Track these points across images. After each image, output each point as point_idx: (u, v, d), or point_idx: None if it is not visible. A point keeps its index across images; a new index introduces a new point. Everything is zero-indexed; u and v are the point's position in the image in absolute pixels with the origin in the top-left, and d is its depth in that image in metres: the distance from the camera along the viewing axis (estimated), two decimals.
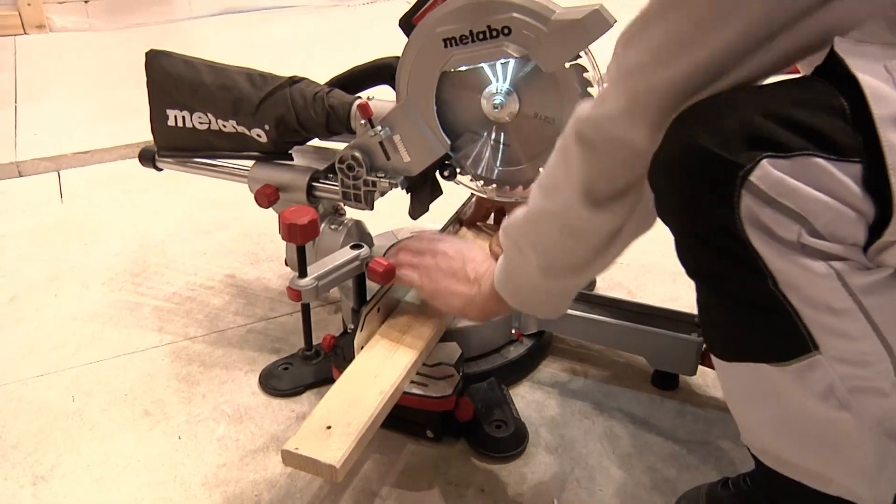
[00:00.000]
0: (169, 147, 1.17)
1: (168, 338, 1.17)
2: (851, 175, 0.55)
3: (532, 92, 0.97)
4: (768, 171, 0.55)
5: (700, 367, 1.04)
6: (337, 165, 1.06)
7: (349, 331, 0.95)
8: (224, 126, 1.10)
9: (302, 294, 0.89)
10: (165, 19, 2.74)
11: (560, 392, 1.07)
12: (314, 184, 1.11)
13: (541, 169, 0.99)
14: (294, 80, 1.06)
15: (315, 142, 1.18)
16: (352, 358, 0.92)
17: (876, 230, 0.56)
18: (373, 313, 0.95)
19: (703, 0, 0.60)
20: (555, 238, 0.78)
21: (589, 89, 0.94)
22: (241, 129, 1.09)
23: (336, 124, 1.05)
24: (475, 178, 1.05)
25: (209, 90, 1.08)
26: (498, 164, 1.03)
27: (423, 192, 1.08)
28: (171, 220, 1.52)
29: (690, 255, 0.65)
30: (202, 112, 1.10)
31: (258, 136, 1.09)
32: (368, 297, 0.99)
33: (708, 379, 1.08)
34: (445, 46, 0.94)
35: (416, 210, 1.09)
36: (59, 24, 2.67)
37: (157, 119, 1.14)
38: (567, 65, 0.92)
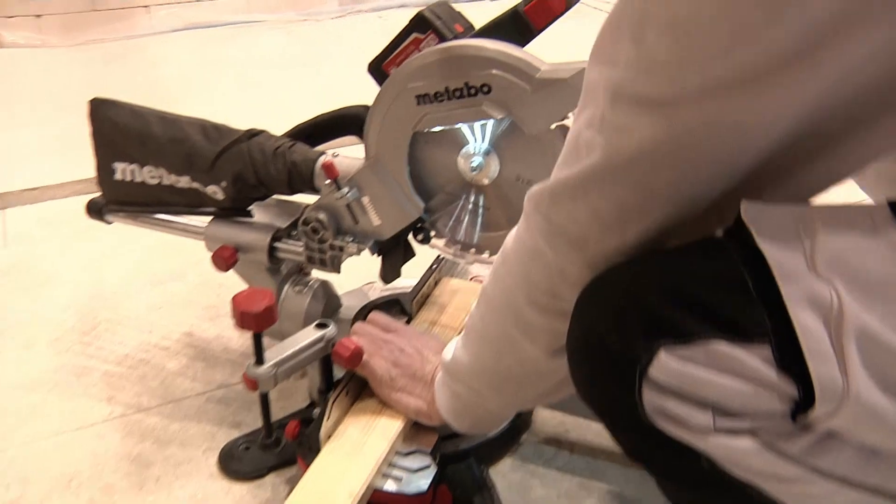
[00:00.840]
0: (118, 201, 1.07)
1: (119, 409, 1.08)
2: (762, 357, 0.49)
3: (514, 153, 0.89)
4: (667, 363, 0.50)
5: None
6: (300, 228, 0.97)
7: (313, 406, 0.86)
8: (177, 181, 1.01)
9: (259, 383, 0.80)
10: (124, 35, 2.62)
11: (545, 469, 0.99)
12: (276, 244, 1.02)
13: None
14: (252, 134, 0.98)
15: None
16: (318, 449, 0.83)
17: (801, 407, 0.49)
18: (340, 398, 0.87)
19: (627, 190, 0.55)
20: (516, 380, 0.74)
21: None
22: (195, 185, 1.00)
23: (299, 182, 0.96)
24: (452, 242, 0.97)
25: (159, 143, 0.99)
26: (477, 228, 0.95)
27: (394, 255, 0.99)
28: (125, 267, 1.42)
29: (617, 439, 0.60)
30: (153, 166, 1.01)
31: (214, 193, 1.00)
32: (336, 375, 0.90)
33: None
34: (418, 104, 0.86)
35: (388, 274, 1.00)
36: (9, 40, 2.55)
37: (103, 172, 1.05)
38: (553, 126, 0.84)
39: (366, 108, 1.01)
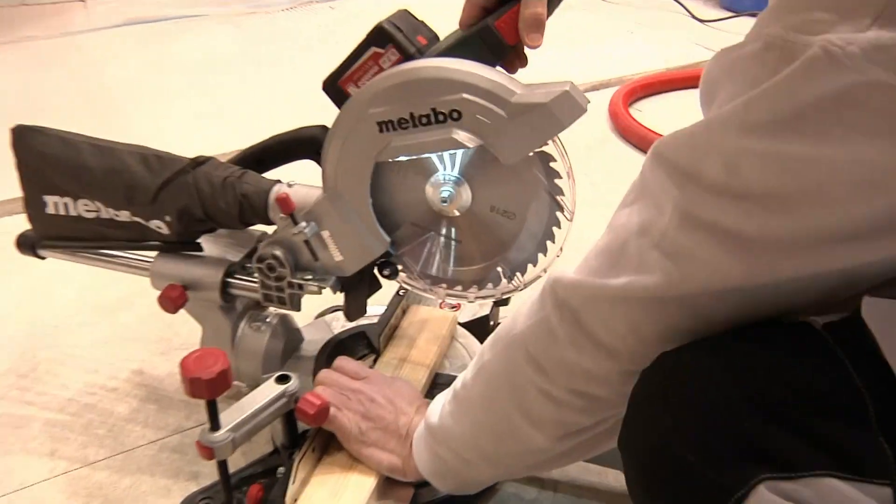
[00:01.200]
0: (51, 237, 0.97)
1: (63, 465, 0.98)
2: (880, 500, 0.41)
3: (488, 181, 0.82)
4: (768, 499, 0.42)
5: None
6: (255, 265, 0.89)
7: (277, 452, 0.78)
8: (117, 215, 0.91)
9: (215, 452, 0.72)
10: (59, 32, 2.47)
11: None
12: (229, 280, 0.94)
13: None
14: (197, 162, 0.89)
15: None
16: None
17: None
18: (307, 457, 0.79)
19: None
20: (514, 457, 0.70)
21: (557, 181, 0.79)
22: (137, 219, 0.91)
23: (251, 215, 0.88)
24: (421, 277, 0.89)
25: (94, 175, 0.89)
26: (449, 263, 0.87)
27: (359, 291, 0.92)
28: (67, 297, 1.31)
29: None
30: (88, 199, 0.91)
31: (158, 227, 0.91)
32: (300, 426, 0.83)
33: None
34: (381, 131, 0.78)
35: (352, 312, 0.92)
36: None
37: (33, 205, 0.95)
38: (531, 153, 0.77)
39: (323, 129, 0.93)
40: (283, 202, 0.83)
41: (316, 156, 0.92)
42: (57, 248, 1.00)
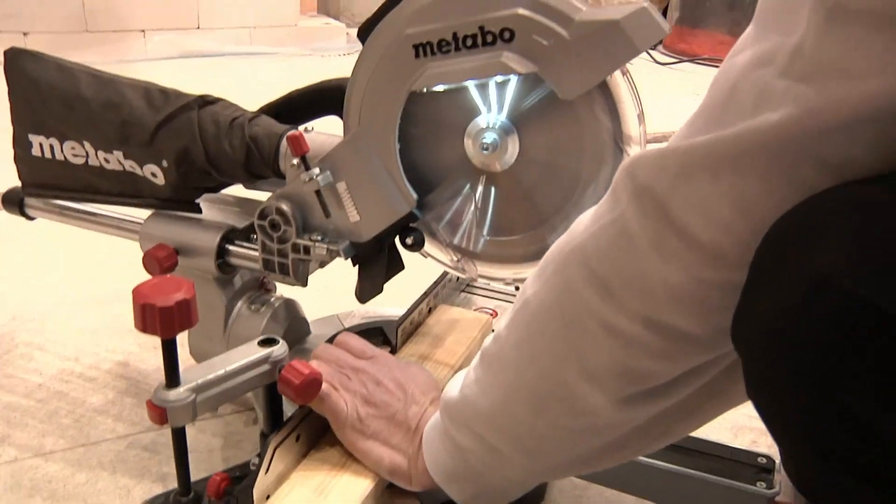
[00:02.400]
0: (36, 184, 0.85)
1: (11, 452, 0.83)
2: None
3: (541, 129, 0.67)
4: None
5: None
6: (256, 222, 0.75)
7: (252, 466, 0.62)
8: (107, 160, 0.79)
9: (169, 414, 0.57)
10: (117, 59, 2.46)
11: None
12: (228, 246, 0.80)
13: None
14: (206, 100, 0.77)
15: (239, 190, 0.88)
16: None
17: None
18: (288, 444, 0.63)
19: None
20: (560, 439, 0.52)
21: (626, 129, 0.65)
22: (129, 164, 0.79)
23: (258, 163, 0.75)
24: (450, 249, 0.74)
25: (89, 108, 0.78)
26: (484, 231, 0.73)
27: (375, 265, 0.77)
28: (60, 283, 1.19)
29: (818, 476, 0.35)
30: (76, 141, 0.79)
31: (153, 175, 0.78)
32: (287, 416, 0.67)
33: None
34: (417, 55, 0.65)
35: (366, 290, 0.77)
36: None
37: (20, 145, 0.83)
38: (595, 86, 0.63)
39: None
40: (294, 142, 0.70)
41: (342, 109, 0.80)
42: (42, 197, 0.87)
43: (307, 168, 0.71)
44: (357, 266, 0.77)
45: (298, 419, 0.64)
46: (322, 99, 0.80)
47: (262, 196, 0.86)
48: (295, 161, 0.72)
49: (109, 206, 0.88)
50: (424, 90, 0.67)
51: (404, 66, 0.66)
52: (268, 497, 0.61)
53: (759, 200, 0.37)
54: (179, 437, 0.59)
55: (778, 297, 0.34)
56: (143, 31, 2.55)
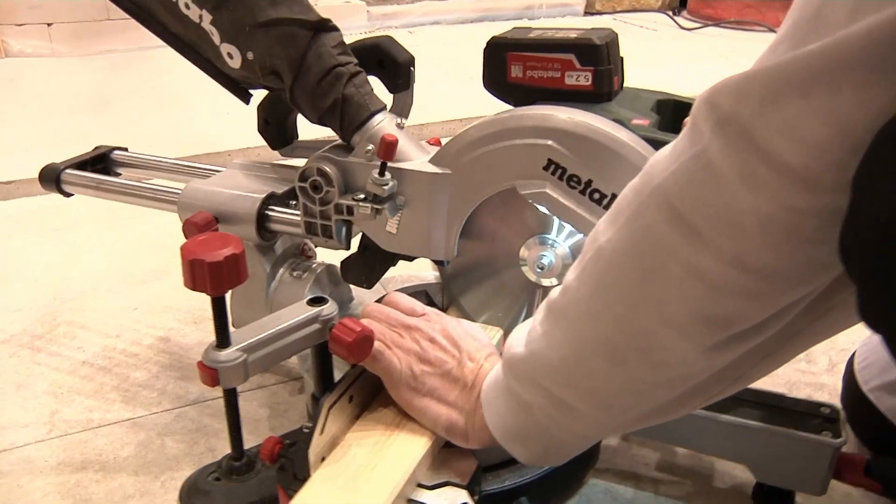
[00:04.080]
0: None
1: (61, 427, 0.83)
2: None
3: None
4: None
5: (832, 481, 0.70)
6: (297, 184, 0.74)
7: (305, 429, 0.61)
8: (188, 6, 0.72)
9: (220, 375, 0.56)
10: (137, 46, 2.45)
11: None
12: (268, 213, 0.78)
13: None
14: (323, 27, 0.71)
15: (274, 156, 0.86)
16: (306, 476, 0.58)
17: None
18: (341, 405, 0.62)
19: None
20: (638, 391, 0.50)
21: None
22: (210, 30, 0.72)
23: (335, 120, 0.72)
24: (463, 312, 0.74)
25: None
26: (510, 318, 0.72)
27: (377, 265, 0.76)
28: (99, 265, 1.19)
29: None
30: None
31: (228, 55, 0.73)
32: (337, 379, 0.65)
33: (838, 497, 0.73)
34: (546, 168, 0.64)
35: (352, 275, 0.77)
36: (17, 49, 2.39)
37: None
38: None
39: (388, 38, 0.79)
40: (388, 147, 0.67)
41: (379, 69, 0.78)
42: None
43: (381, 174, 0.69)
44: (360, 249, 0.76)
45: (351, 379, 0.62)
46: (358, 58, 0.78)
47: (298, 163, 0.85)
48: (371, 149, 0.70)
49: (151, 180, 0.87)
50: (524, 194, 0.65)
51: (528, 165, 0.65)
52: (323, 459, 0.60)
53: (855, 114, 0.34)
54: (231, 399, 0.58)
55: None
56: None
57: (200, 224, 0.77)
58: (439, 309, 0.80)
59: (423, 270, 0.91)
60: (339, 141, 0.74)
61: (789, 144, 0.37)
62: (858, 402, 0.80)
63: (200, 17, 0.72)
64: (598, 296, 0.48)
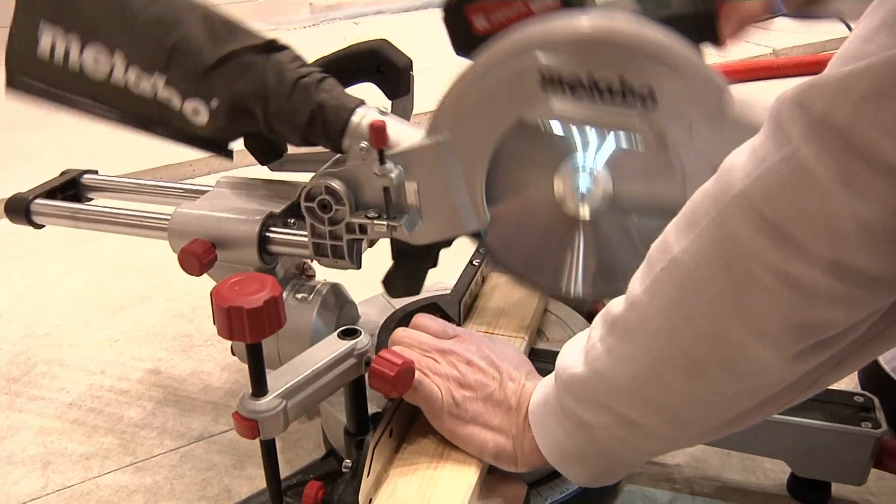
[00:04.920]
0: (29, 74, 0.71)
1: (58, 480, 0.77)
2: None
3: (637, 177, 0.63)
4: None
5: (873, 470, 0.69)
6: (304, 205, 0.69)
7: (333, 456, 0.57)
8: (138, 82, 0.69)
9: (261, 426, 0.51)
10: None
11: None
12: (270, 234, 0.74)
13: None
14: (274, 46, 0.68)
15: (263, 171, 0.81)
16: None
17: None
18: (383, 442, 0.58)
19: None
20: (718, 404, 0.48)
21: None
22: (168, 93, 0.69)
23: (319, 132, 0.67)
24: (507, 271, 0.70)
25: (133, 19, 0.68)
26: (553, 274, 0.68)
27: (418, 266, 0.72)
28: (71, 294, 1.12)
29: None
30: (106, 48, 0.69)
31: (194, 112, 0.69)
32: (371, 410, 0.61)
33: (876, 488, 0.73)
34: (543, 87, 0.59)
35: (398, 287, 0.73)
36: None
37: (21, 33, 0.70)
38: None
39: (385, 42, 0.75)
40: (377, 132, 0.62)
41: (377, 75, 0.74)
42: (30, 94, 0.74)
43: (382, 162, 0.64)
44: (395, 259, 0.72)
45: (391, 413, 0.59)
46: (355, 65, 0.74)
47: (289, 176, 0.80)
48: (365, 145, 0.65)
49: (128, 204, 0.81)
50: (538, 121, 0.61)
51: (525, 91, 0.59)
52: (370, 501, 0.56)
53: None
54: (270, 451, 0.53)
55: None
56: None
57: (200, 253, 0.72)
58: (455, 321, 0.77)
59: (429, 281, 0.88)
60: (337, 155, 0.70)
61: (895, 145, 0.35)
62: (882, 383, 0.80)
63: (154, 86, 0.69)
64: (676, 309, 0.45)
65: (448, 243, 0.71)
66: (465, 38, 0.65)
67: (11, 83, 0.73)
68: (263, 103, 0.66)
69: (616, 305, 0.50)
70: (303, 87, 0.66)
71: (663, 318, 0.46)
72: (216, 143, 0.72)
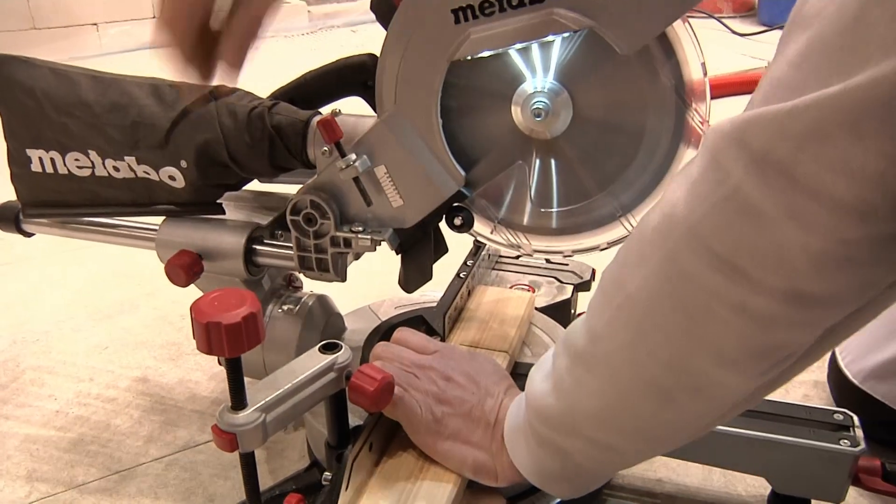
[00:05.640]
0: (37, 203, 0.78)
1: (42, 489, 0.77)
2: None
3: (593, 88, 0.63)
4: None
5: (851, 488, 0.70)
6: (289, 218, 0.70)
7: (316, 467, 0.58)
8: (116, 169, 0.73)
9: (239, 439, 0.52)
10: (69, 56, 2.33)
11: None
12: (256, 246, 0.74)
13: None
14: (220, 92, 0.70)
15: (255, 184, 0.82)
16: None
17: None
18: (362, 454, 0.58)
19: None
20: (685, 425, 0.50)
21: (688, 80, 0.60)
22: (143, 170, 0.72)
23: (284, 155, 0.69)
24: (502, 226, 0.70)
25: (92, 113, 0.71)
26: (539, 203, 0.68)
27: (421, 251, 0.72)
28: (61, 301, 1.12)
29: None
30: (79, 151, 0.73)
31: (171, 178, 0.72)
32: (352, 423, 0.62)
33: (850, 500, 0.73)
34: (457, 21, 0.59)
35: (412, 279, 0.72)
36: None
37: (16, 162, 0.77)
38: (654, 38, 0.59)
39: (372, 56, 0.75)
40: (327, 127, 0.64)
41: (366, 90, 0.74)
42: (45, 217, 0.81)
43: (342, 155, 0.65)
44: (400, 254, 0.72)
45: (370, 427, 0.59)
46: (342, 80, 0.74)
47: (280, 188, 0.81)
48: (326, 148, 0.67)
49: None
50: (468, 58, 0.61)
51: (443, 35, 0.60)
52: None
53: None
54: (249, 463, 0.54)
55: None
56: (95, 24, 2.43)
57: (186, 265, 0.72)
58: (440, 335, 0.77)
59: (417, 294, 0.88)
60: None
61: (840, 179, 0.36)
62: (854, 397, 0.81)
63: (130, 167, 0.72)
64: (638, 343, 0.46)
65: (438, 217, 0.70)
66: (389, 12, 0.64)
67: (25, 213, 0.80)
68: (225, 145, 0.68)
69: (577, 336, 0.50)
70: (257, 117, 0.68)
71: (626, 353, 0.46)
72: (203, 203, 0.74)
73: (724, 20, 2.78)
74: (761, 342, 0.41)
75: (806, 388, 0.91)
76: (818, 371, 0.91)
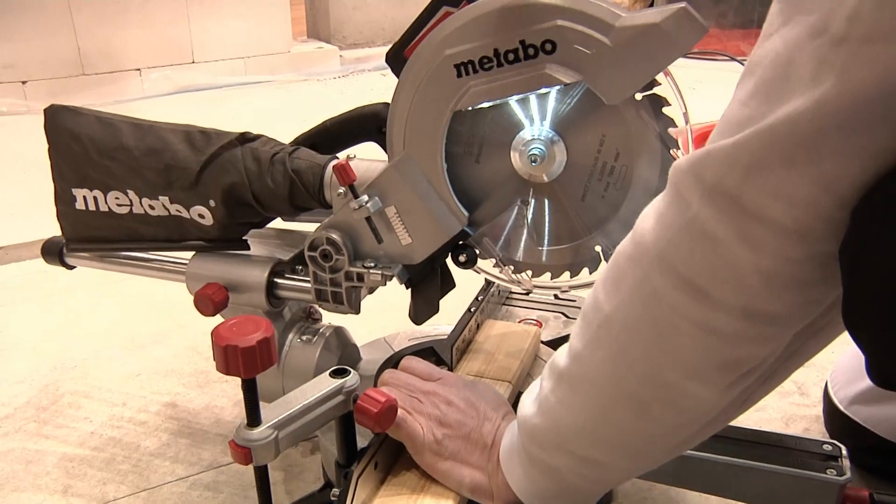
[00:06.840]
0: (80, 238, 0.86)
1: (76, 503, 0.83)
2: None
3: (585, 135, 0.68)
4: None
5: None
6: (307, 254, 0.76)
7: (329, 487, 0.63)
8: (152, 207, 0.80)
9: (253, 453, 0.57)
10: (114, 100, 2.47)
11: None
12: (277, 280, 0.80)
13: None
14: (246, 138, 0.77)
15: (278, 222, 0.88)
16: None
17: None
18: (367, 472, 0.63)
19: None
20: (662, 436, 0.54)
21: (671, 130, 0.65)
22: (175, 209, 0.79)
23: (303, 196, 0.75)
24: (505, 263, 0.75)
25: (131, 157, 0.78)
26: (538, 242, 0.73)
27: (429, 285, 0.77)
28: (98, 331, 1.19)
29: None
30: (120, 191, 0.80)
31: (200, 216, 0.79)
32: (360, 444, 0.67)
33: None
34: (459, 75, 0.66)
35: (421, 311, 0.78)
36: None
37: (62, 201, 0.84)
38: (639, 96, 0.64)
39: (386, 105, 0.82)
40: (341, 171, 0.70)
41: (379, 136, 0.81)
42: (87, 251, 0.88)
43: (355, 196, 0.71)
44: (410, 288, 0.77)
45: (376, 447, 0.64)
46: (358, 126, 0.81)
47: (300, 227, 0.87)
48: (342, 190, 0.73)
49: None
50: (469, 109, 0.67)
51: (447, 87, 0.66)
52: None
53: (839, 175, 0.38)
54: (263, 476, 0.59)
55: None
56: (138, 69, 2.55)
57: (213, 296, 0.78)
58: (448, 365, 0.82)
59: (425, 325, 0.93)
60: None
61: (778, 205, 0.40)
62: (842, 424, 0.84)
63: (164, 206, 0.79)
64: (617, 360, 0.50)
65: (445, 254, 0.75)
66: (400, 64, 0.70)
67: (69, 248, 0.88)
68: (249, 187, 0.75)
69: (560, 358, 0.55)
70: (279, 161, 0.74)
71: (606, 368, 0.51)
72: (229, 240, 0.81)
73: (745, 62, 2.82)
74: (724, 356, 0.46)
75: (807, 423, 0.93)
76: (819, 406, 0.94)
